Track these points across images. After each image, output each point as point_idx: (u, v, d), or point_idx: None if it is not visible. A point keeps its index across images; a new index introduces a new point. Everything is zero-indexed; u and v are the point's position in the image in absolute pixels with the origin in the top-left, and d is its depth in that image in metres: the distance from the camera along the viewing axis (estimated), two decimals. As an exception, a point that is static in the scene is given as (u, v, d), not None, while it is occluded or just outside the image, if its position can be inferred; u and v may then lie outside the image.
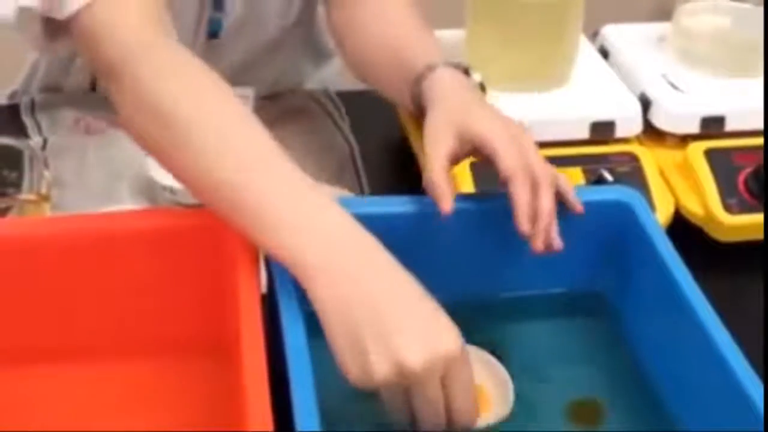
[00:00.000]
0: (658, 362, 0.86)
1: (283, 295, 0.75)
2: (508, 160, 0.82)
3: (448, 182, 0.82)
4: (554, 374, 0.86)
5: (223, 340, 0.81)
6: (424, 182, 0.83)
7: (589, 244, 0.90)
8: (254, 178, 0.76)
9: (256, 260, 0.79)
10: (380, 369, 0.69)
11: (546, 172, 0.83)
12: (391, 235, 0.81)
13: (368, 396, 0.73)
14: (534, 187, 0.82)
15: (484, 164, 0.85)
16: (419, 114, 0.91)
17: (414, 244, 0.85)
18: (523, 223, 0.80)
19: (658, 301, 0.85)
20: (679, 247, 0.85)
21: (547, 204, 0.81)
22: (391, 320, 0.70)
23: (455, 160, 0.85)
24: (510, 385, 0.80)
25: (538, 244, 0.81)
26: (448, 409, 0.72)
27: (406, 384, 0.70)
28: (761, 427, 0.71)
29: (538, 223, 0.81)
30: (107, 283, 0.83)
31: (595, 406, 0.84)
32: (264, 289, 0.79)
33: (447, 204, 0.81)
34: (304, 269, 0.73)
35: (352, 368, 0.71)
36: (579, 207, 0.84)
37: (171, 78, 0.81)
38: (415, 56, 0.93)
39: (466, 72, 0.92)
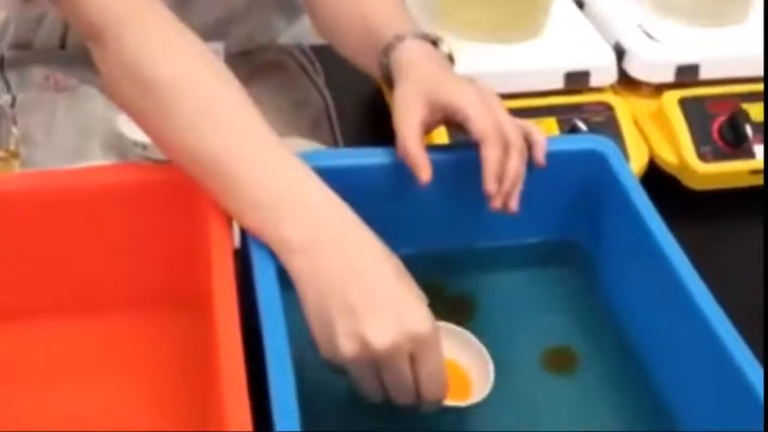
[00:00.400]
0: (632, 311, 0.86)
1: (255, 250, 0.75)
2: (480, 124, 0.82)
3: (424, 151, 0.82)
4: (529, 323, 0.87)
5: (197, 295, 0.80)
6: (399, 151, 0.83)
7: (563, 194, 0.90)
8: (233, 147, 0.76)
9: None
10: (347, 347, 0.69)
11: (517, 137, 0.83)
12: (365, 186, 0.81)
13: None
14: (504, 150, 0.82)
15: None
16: (388, 84, 0.90)
17: (387, 196, 0.86)
18: (489, 183, 0.81)
19: (631, 249, 0.86)
20: (654, 196, 0.85)
21: (513, 167, 0.82)
22: (361, 296, 0.70)
23: (427, 130, 0.85)
24: (490, 367, 0.79)
25: (496, 203, 0.82)
26: (417, 388, 0.72)
27: (374, 361, 0.70)
28: (736, 373, 0.71)
29: (502, 184, 0.81)
30: (79, 239, 0.82)
31: (569, 354, 0.85)
32: (237, 243, 0.79)
33: (426, 173, 0.81)
34: (281, 242, 0.73)
35: (321, 342, 0.71)
36: (541, 160, 0.84)
37: (154, 42, 0.80)
38: (384, 25, 0.92)
39: (435, 43, 0.91)
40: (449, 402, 0.75)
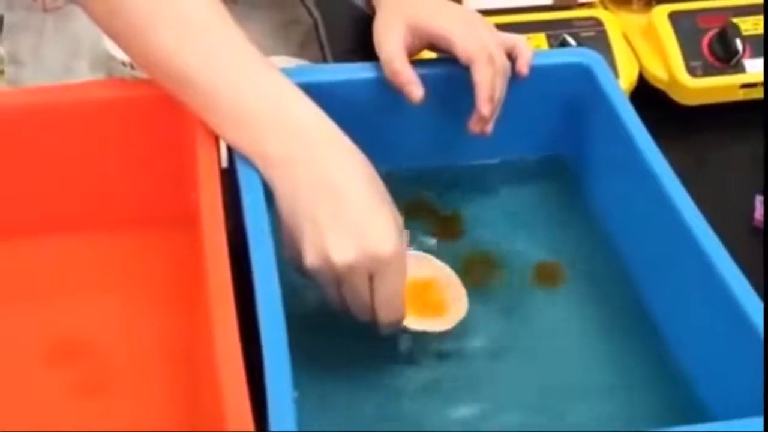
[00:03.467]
0: (620, 226, 0.86)
1: (242, 169, 0.75)
2: (466, 46, 0.81)
3: (411, 70, 0.82)
4: (516, 238, 0.87)
5: (185, 213, 0.80)
6: (385, 72, 0.82)
7: (550, 109, 0.90)
8: (217, 64, 0.75)
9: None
10: (310, 258, 0.70)
11: (501, 57, 0.82)
12: (351, 102, 0.81)
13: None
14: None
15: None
16: (370, 11, 0.89)
17: (374, 112, 0.86)
18: (484, 105, 0.81)
19: (619, 165, 0.85)
20: (643, 111, 0.84)
21: (497, 92, 0.82)
22: (330, 212, 0.70)
23: (409, 55, 0.84)
24: (464, 300, 0.79)
25: (475, 126, 0.82)
26: (373, 308, 0.73)
27: (334, 275, 0.71)
28: (721, 286, 0.71)
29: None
30: (63, 156, 0.82)
31: (557, 269, 0.85)
32: (225, 163, 0.79)
33: (417, 90, 0.81)
34: (261, 156, 0.73)
35: (288, 249, 0.72)
36: (524, 70, 0.84)
37: None
38: None
39: None
40: (420, 321, 0.76)
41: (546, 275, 0.84)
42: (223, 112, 0.75)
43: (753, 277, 0.71)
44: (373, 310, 0.72)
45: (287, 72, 0.77)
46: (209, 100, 0.75)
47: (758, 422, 0.62)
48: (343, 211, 0.71)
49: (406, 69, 0.81)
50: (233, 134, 0.75)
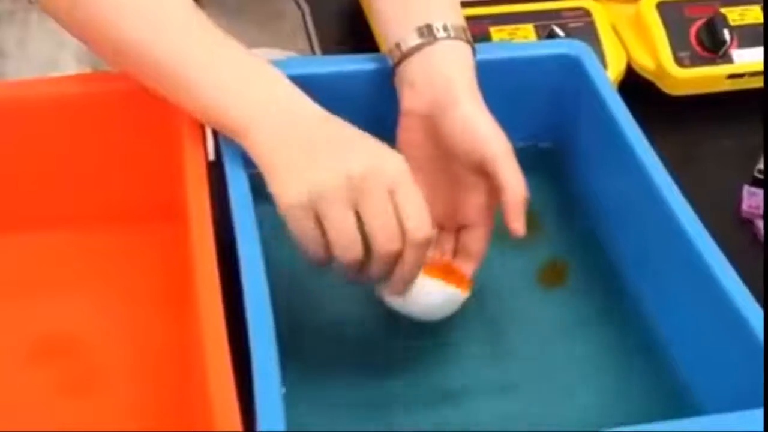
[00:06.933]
0: (608, 217, 0.86)
1: (229, 159, 0.74)
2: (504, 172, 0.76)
3: None
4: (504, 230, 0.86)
5: (172, 207, 0.80)
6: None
7: (538, 100, 0.89)
8: (190, 49, 0.74)
9: (202, 125, 0.78)
10: (325, 178, 0.68)
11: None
12: (340, 94, 0.80)
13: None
14: None
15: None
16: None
17: (365, 104, 0.85)
18: (520, 227, 0.75)
19: (607, 157, 0.85)
20: (631, 102, 0.84)
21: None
22: (325, 138, 0.70)
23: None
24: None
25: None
26: (400, 224, 0.69)
27: (315, 205, 0.68)
28: (710, 279, 0.71)
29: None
30: (49, 150, 0.81)
31: (557, 266, 0.85)
32: (212, 156, 0.79)
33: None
34: (246, 132, 0.72)
35: (281, 189, 0.69)
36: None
37: None
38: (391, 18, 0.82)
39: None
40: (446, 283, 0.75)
41: (546, 275, 0.84)
42: (199, 102, 0.74)
43: (741, 268, 0.71)
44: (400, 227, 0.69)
45: (275, 64, 0.77)
46: (182, 82, 0.74)
47: (758, 414, 0.62)
48: (339, 135, 0.70)
49: None
50: (212, 124, 0.74)
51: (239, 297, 0.66)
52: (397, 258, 0.70)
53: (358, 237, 0.68)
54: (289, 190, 0.69)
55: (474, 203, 0.78)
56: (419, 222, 0.69)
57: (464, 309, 0.77)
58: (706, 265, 0.71)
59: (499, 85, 0.83)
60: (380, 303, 0.75)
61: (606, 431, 0.60)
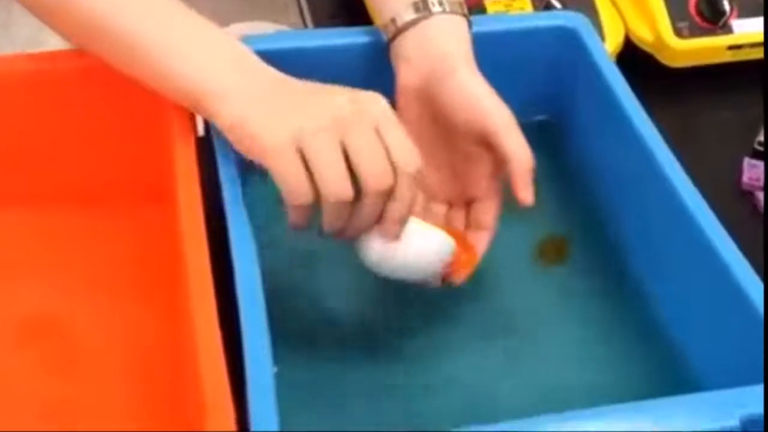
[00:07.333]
0: (607, 191, 0.85)
1: (218, 138, 0.72)
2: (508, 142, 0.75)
3: None
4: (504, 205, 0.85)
5: (161, 186, 0.79)
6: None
7: (535, 73, 0.88)
8: (151, 22, 0.72)
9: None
10: (309, 117, 0.66)
11: None
12: (334, 68, 0.78)
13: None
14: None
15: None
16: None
17: (358, 78, 0.82)
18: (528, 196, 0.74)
19: (605, 128, 0.84)
20: (630, 74, 0.83)
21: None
22: (308, 90, 0.68)
23: None
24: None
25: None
26: (390, 160, 0.67)
27: (337, 132, 0.66)
28: (710, 252, 0.70)
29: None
30: (35, 127, 0.80)
31: (557, 242, 0.83)
32: (201, 131, 0.77)
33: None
34: (213, 95, 0.70)
35: (261, 131, 0.67)
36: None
37: None
38: None
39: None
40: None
41: (546, 250, 0.83)
42: (166, 81, 0.72)
43: (741, 241, 0.70)
44: (367, 172, 0.66)
45: (266, 38, 0.75)
46: (138, 54, 0.72)
47: (758, 390, 0.61)
48: (314, 86, 0.69)
49: None
50: (172, 79, 0.72)
51: (230, 274, 0.65)
52: (387, 196, 0.67)
53: (346, 171, 0.66)
54: (270, 131, 0.66)
55: (479, 176, 0.77)
56: (409, 156, 0.67)
57: (461, 288, 0.76)
58: (706, 238, 0.70)
59: (495, 57, 0.81)
60: (374, 284, 0.73)
61: (606, 408, 0.59)
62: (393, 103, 0.74)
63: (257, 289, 0.64)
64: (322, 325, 0.76)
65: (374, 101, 0.68)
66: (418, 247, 0.71)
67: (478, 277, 0.77)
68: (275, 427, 0.57)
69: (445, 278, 0.74)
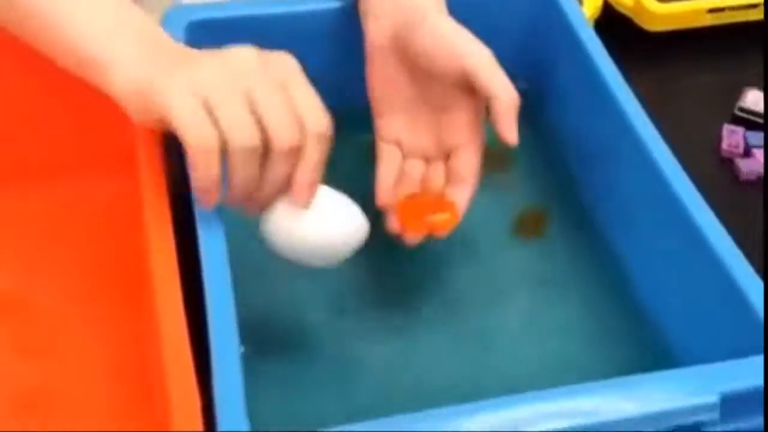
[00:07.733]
0: (584, 160, 0.84)
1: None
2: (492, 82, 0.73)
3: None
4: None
5: (122, 156, 0.77)
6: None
7: (510, 38, 0.86)
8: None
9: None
10: (211, 71, 0.63)
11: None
12: (299, 35, 0.77)
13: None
14: None
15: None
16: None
17: (325, 46, 0.82)
18: (513, 136, 0.72)
19: (582, 96, 0.82)
20: (608, 39, 0.82)
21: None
22: (209, 52, 0.66)
23: None
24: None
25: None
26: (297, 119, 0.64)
27: (241, 87, 0.63)
28: (689, 224, 0.69)
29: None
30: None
31: (538, 215, 0.82)
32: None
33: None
34: (110, 60, 0.66)
35: (162, 88, 0.64)
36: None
37: None
38: None
39: None
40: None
41: (524, 223, 0.82)
42: (58, 31, 0.68)
43: (720, 209, 0.70)
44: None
45: (230, 6, 0.73)
46: (55, 33, 0.68)
47: (758, 361, 0.60)
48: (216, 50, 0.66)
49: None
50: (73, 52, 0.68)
51: (195, 255, 0.63)
52: (296, 157, 0.64)
53: (251, 118, 0.63)
54: (171, 87, 0.63)
55: (460, 122, 0.75)
56: (316, 115, 0.64)
57: (438, 263, 0.74)
58: (684, 207, 0.69)
59: (470, 23, 0.79)
60: (344, 262, 0.71)
61: (585, 385, 0.59)
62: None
63: (224, 273, 0.63)
64: (288, 308, 0.74)
65: (283, 58, 0.66)
66: (328, 218, 0.67)
67: (456, 252, 0.76)
68: (245, 427, 0.56)
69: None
